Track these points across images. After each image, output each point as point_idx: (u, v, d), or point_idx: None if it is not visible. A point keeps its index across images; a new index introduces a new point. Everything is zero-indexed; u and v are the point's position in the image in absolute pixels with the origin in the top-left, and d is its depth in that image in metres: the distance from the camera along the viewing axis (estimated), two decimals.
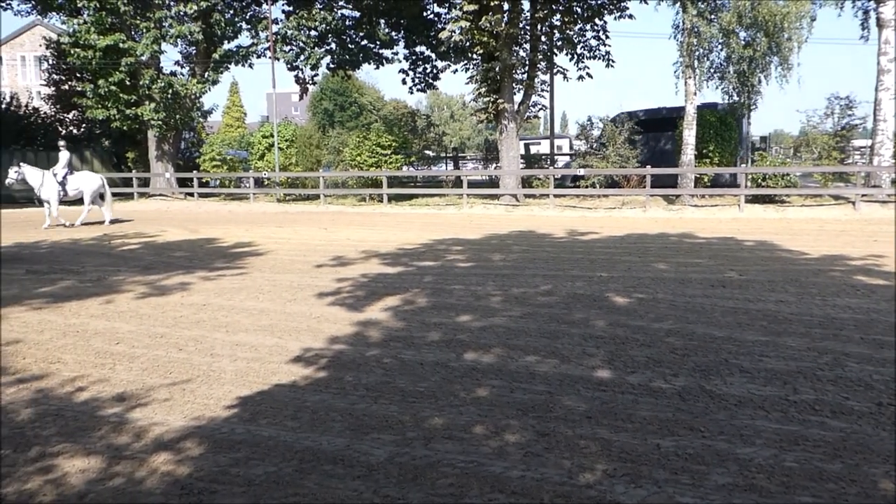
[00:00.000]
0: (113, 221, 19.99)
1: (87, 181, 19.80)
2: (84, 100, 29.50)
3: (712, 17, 22.53)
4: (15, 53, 51.28)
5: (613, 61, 27.47)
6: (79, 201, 19.96)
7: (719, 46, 23.21)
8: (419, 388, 5.44)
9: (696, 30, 22.42)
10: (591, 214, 20.91)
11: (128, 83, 28.67)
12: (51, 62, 35.57)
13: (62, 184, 19.06)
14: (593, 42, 27.09)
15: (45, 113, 35.73)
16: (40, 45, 38.57)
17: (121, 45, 27.57)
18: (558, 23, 25.99)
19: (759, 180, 22.56)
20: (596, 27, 26.76)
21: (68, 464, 4.24)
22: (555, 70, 27.84)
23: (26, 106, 35.12)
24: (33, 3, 31.28)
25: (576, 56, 26.88)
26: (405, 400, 5.18)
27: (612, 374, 5.65)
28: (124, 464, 4.22)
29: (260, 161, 30.59)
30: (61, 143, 20.37)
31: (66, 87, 34.27)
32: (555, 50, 27.26)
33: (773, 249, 12.63)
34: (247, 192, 29.50)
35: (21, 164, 19.26)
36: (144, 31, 28.08)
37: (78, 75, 31.93)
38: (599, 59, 27.49)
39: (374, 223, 19.21)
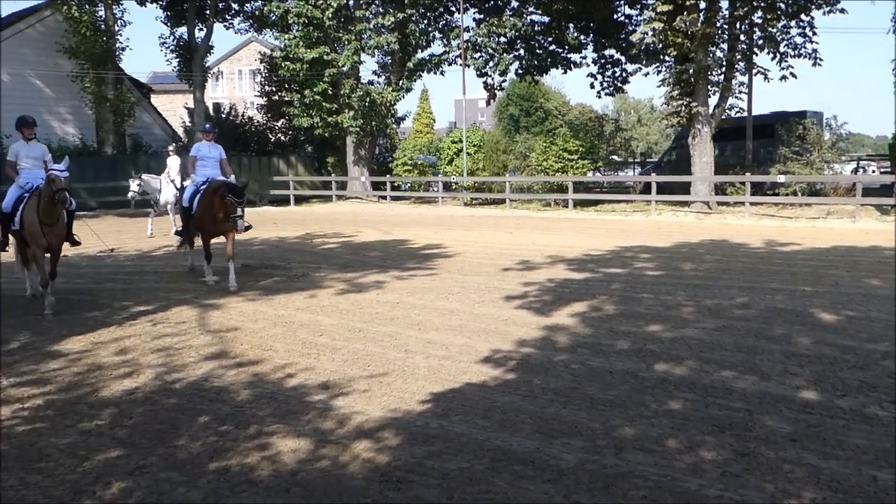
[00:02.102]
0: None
1: None
2: (291, 109, 31.85)
3: None
4: (234, 68, 56.55)
5: (821, 59, 25.49)
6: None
7: None
8: (608, 396, 5.38)
9: None
10: (791, 224, 19.56)
11: (330, 93, 30.58)
12: (264, 75, 38.77)
13: (181, 190, 17.17)
14: (798, 39, 25.30)
15: (257, 121, 39.02)
16: (255, 60, 42.16)
17: (325, 57, 29.48)
18: (759, 20, 24.52)
19: None
20: (802, 23, 24.97)
21: (281, 443, 4.63)
22: (754, 70, 26.30)
23: (242, 115, 38.54)
24: (251, 21, 34.28)
25: (778, 55, 25.24)
26: (594, 407, 5.15)
27: (818, 395, 5.28)
28: (329, 447, 4.53)
29: (448, 166, 31.50)
30: (170, 147, 19.85)
31: (276, 97, 37.16)
32: (755, 49, 25.74)
33: None
34: (435, 196, 30.48)
35: (142, 175, 18.63)
36: (346, 43, 29.86)
37: (286, 86, 34.49)
38: (805, 57, 25.61)
39: (559, 228, 19.16)
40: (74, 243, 9.42)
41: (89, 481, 4.12)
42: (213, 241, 10.75)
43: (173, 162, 18.37)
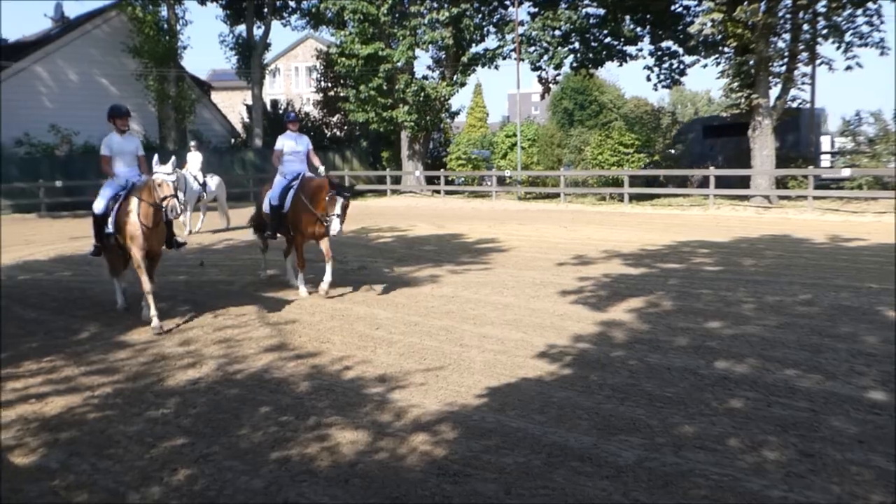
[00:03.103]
0: (226, 229, 18.27)
1: (221, 185, 18.47)
2: (347, 104, 32.19)
3: None
4: (290, 64, 57.28)
5: (888, 48, 24.59)
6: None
7: None
8: (667, 393, 5.32)
9: None
10: (857, 219, 18.94)
11: (385, 88, 30.79)
12: (319, 71, 39.26)
13: (204, 185, 17.60)
14: (865, 28, 24.45)
15: (313, 117, 39.55)
16: (311, 56, 42.65)
17: (380, 53, 29.69)
18: (824, 9, 23.77)
19: None
20: (869, 11, 24.12)
21: (340, 435, 4.70)
22: (818, 61, 25.52)
23: (298, 111, 39.12)
24: (308, 19, 34.74)
25: (843, 44, 24.43)
26: (652, 404, 5.09)
27: (887, 396, 5.12)
28: (387, 440, 4.59)
29: (503, 160, 31.41)
30: (192, 143, 18.74)
31: (332, 93, 37.60)
32: (819, 39, 24.97)
33: None
34: (489, 190, 30.43)
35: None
36: (401, 38, 30.01)
37: (342, 82, 34.84)
38: (872, 46, 24.74)
39: (615, 223, 18.94)
40: (177, 245, 8.61)
41: (157, 468, 4.26)
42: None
43: (194, 158, 17.75)
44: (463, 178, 33.86)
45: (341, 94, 34.06)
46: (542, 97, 38.67)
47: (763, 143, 23.92)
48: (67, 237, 17.55)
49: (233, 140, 35.87)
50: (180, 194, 16.54)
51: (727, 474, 3.96)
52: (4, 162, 25.74)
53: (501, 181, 30.58)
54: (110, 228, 8.01)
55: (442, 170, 32.31)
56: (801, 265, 11.02)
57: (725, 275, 10.27)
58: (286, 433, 4.75)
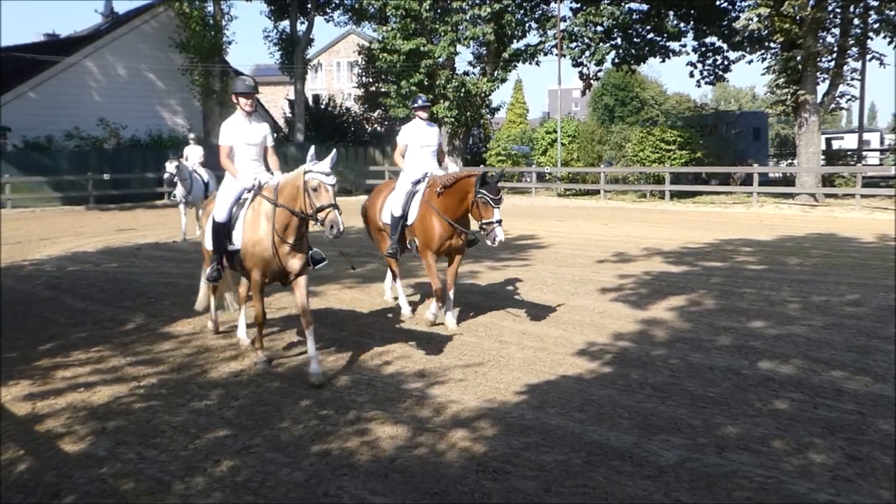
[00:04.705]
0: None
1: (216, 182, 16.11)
2: (388, 100, 32.30)
3: None
4: (332, 60, 57.71)
5: None
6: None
7: None
8: (709, 393, 5.25)
9: None
10: None
11: (426, 83, 30.81)
12: (361, 66, 39.48)
13: (207, 184, 15.91)
14: None
15: (354, 112, 39.79)
16: (353, 52, 42.89)
17: (421, 48, 29.73)
18: (876, 2, 23.16)
19: None
20: None
21: (380, 429, 4.73)
22: (868, 56, 24.87)
23: (340, 106, 39.41)
24: (350, 14, 34.95)
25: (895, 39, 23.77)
26: (694, 404, 5.03)
27: None
28: (427, 435, 4.60)
29: (542, 156, 31.23)
30: (191, 135, 17.84)
31: (373, 88, 37.78)
32: (870, 33, 24.33)
33: None
34: (528, 186, 30.29)
35: (180, 159, 15.82)
36: (442, 34, 30.01)
37: (383, 77, 34.97)
38: None
39: (655, 220, 18.71)
40: (315, 262, 6.14)
41: (200, 458, 4.33)
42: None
43: (193, 151, 16.46)
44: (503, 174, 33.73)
45: (382, 90, 34.18)
46: (583, 93, 38.40)
47: (809, 140, 23.42)
48: (114, 229, 17.94)
49: (275, 135, 36.22)
50: (179, 190, 15.00)
51: (771, 476, 3.89)
52: (55, 155, 26.36)
53: (541, 177, 30.42)
54: (235, 244, 6.07)
55: (482, 165, 32.25)
56: (849, 265, 10.78)
57: (769, 274, 10.09)
58: (326, 427, 4.79)
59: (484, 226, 6.79)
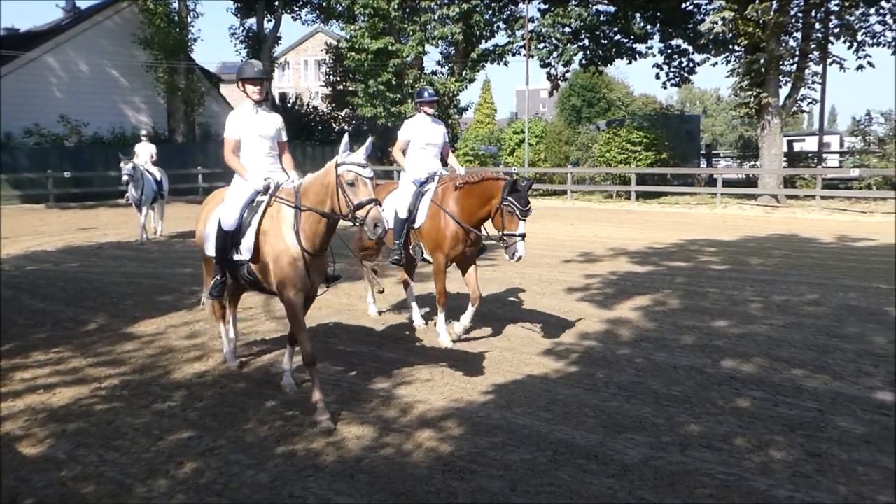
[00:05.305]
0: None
1: (166, 180, 15.98)
2: (355, 99, 32.20)
3: None
4: (299, 58, 57.29)
5: None
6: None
7: None
8: (673, 391, 5.31)
9: None
10: (865, 219, 18.84)
11: (394, 83, 30.78)
12: (329, 65, 39.29)
13: (160, 182, 15.32)
14: (877, 27, 24.32)
15: (321, 111, 39.57)
16: (321, 50, 42.64)
17: (389, 47, 29.69)
18: (836, 7, 23.64)
19: None
20: (882, 10, 23.99)
21: (346, 429, 4.71)
22: (829, 60, 25.38)
23: (307, 105, 39.17)
24: (318, 12, 34.75)
25: (855, 43, 24.30)
26: (659, 402, 5.09)
27: (894, 396, 5.10)
28: (393, 435, 4.59)
29: (510, 156, 31.34)
30: (143, 131, 17.16)
31: (341, 87, 37.62)
32: (831, 38, 24.83)
33: None
34: None
35: (135, 159, 15.07)
36: (411, 34, 30.00)
37: (351, 76, 34.84)
38: (884, 46, 24.61)
39: (622, 220, 18.88)
40: (330, 280, 5.54)
41: (163, 460, 4.27)
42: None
43: (143, 149, 15.78)
44: None
45: (350, 89, 34.06)
46: (551, 94, 38.65)
47: (771, 142, 23.84)
48: (75, 228, 17.63)
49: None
50: (132, 192, 13.95)
51: (733, 473, 3.95)
52: (15, 152, 25.79)
53: None
54: (243, 254, 5.29)
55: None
56: (809, 265, 10.99)
57: (732, 273, 10.25)
58: (292, 427, 4.76)
59: (505, 237, 6.14)
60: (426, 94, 7.35)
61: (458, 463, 4.17)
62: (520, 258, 6.18)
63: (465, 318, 6.74)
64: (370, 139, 5.01)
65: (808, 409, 4.91)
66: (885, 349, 6.29)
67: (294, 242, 4.98)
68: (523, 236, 6.11)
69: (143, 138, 16.44)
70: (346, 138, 4.87)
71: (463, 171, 7.13)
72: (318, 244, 5.00)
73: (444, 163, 7.45)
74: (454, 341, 6.76)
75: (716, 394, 5.25)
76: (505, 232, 6.13)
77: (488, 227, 6.62)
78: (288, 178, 5.50)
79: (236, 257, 5.35)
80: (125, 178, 14.31)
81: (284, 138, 5.80)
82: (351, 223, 4.77)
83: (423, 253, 6.96)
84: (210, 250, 5.66)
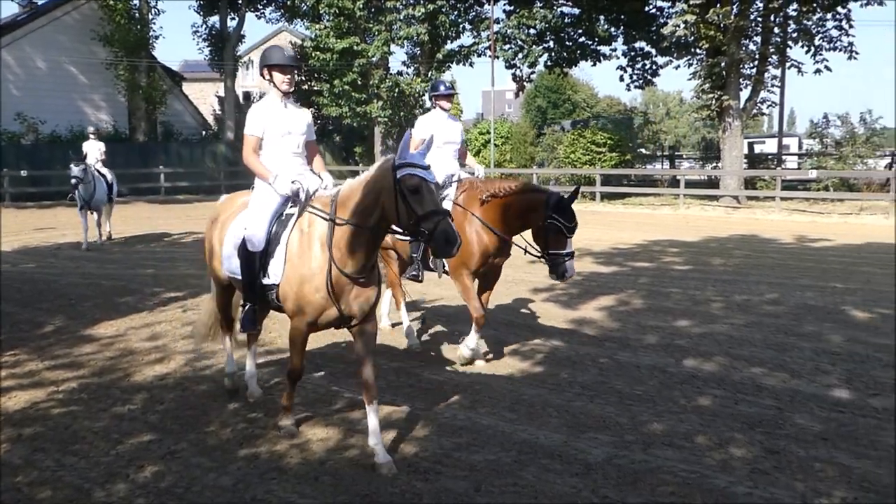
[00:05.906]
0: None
1: (115, 183, 15.11)
2: (320, 98, 32.00)
3: None
4: None
5: (857, 53, 25.03)
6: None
7: None
8: (636, 390, 5.36)
9: None
10: (822, 220, 19.25)
11: (359, 83, 30.67)
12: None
13: (111, 185, 14.60)
14: (834, 32, 24.87)
15: None
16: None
17: (355, 47, 29.57)
18: (794, 13, 24.15)
19: None
20: (839, 16, 24.54)
21: (310, 432, 4.67)
22: (788, 64, 25.91)
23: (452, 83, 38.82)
24: (282, 11, 34.44)
25: (813, 48, 24.84)
26: (622, 402, 5.13)
27: (850, 394, 5.22)
28: (358, 437, 4.56)
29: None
30: (90, 129, 16.10)
31: (306, 87, 37.34)
32: (789, 42, 25.35)
33: None
34: None
35: (86, 161, 14.19)
36: (376, 34, 29.91)
37: (316, 76, 34.62)
38: (841, 50, 25.18)
39: (587, 221, 18.90)
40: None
41: (123, 464, 4.20)
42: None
43: (91, 147, 14.89)
44: None
45: (315, 88, 33.84)
46: (517, 95, 38.84)
47: (732, 144, 24.25)
48: (32, 228, 17.25)
49: (204, 132, 35.51)
50: (82, 191, 12.81)
51: (694, 471, 4.00)
52: None
53: None
54: (272, 279, 4.42)
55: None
56: (769, 265, 11.19)
57: (694, 274, 10.39)
58: (255, 430, 4.71)
59: (552, 256, 5.64)
60: (442, 87, 6.59)
61: (422, 464, 4.16)
62: (570, 278, 5.80)
63: (472, 340, 6.07)
64: (408, 131, 4.34)
65: (767, 406, 4.99)
66: (841, 347, 6.42)
67: (323, 266, 4.15)
68: (572, 255, 5.63)
69: (92, 136, 15.36)
70: (406, 135, 4.11)
71: (482, 173, 6.67)
72: (358, 265, 4.14)
73: (462, 164, 6.80)
74: (469, 361, 6.07)
75: (678, 392, 5.31)
76: (551, 251, 5.62)
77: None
78: (322, 182, 4.65)
79: (265, 281, 4.46)
80: (73, 180, 13.46)
81: (313, 137, 5.04)
82: (409, 238, 4.20)
83: (444, 266, 6.29)
84: (231, 270, 4.77)
